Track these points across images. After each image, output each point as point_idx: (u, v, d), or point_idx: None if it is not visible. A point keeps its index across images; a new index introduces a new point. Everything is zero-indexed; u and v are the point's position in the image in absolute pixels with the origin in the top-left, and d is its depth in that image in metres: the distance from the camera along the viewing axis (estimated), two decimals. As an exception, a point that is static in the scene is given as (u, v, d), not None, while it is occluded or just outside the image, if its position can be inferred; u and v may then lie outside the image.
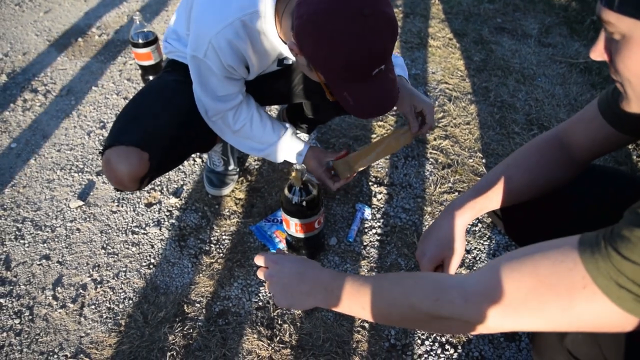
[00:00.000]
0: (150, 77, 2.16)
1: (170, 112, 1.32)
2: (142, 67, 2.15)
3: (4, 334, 1.39)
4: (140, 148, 1.24)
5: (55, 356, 1.35)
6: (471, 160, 1.87)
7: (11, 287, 1.50)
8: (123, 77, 2.27)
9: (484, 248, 1.59)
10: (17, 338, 1.39)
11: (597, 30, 2.53)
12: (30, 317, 1.43)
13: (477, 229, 1.64)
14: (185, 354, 1.35)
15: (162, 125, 1.30)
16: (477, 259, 1.57)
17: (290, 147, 1.47)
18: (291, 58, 1.30)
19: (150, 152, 1.26)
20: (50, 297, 1.48)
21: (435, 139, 1.95)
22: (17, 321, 1.42)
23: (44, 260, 1.57)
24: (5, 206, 1.72)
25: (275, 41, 1.19)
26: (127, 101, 2.13)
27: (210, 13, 1.16)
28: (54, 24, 2.61)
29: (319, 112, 1.58)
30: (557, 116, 2.06)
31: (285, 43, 1.17)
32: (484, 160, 1.87)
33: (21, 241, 1.62)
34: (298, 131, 1.80)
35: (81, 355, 1.35)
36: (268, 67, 1.36)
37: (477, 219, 1.66)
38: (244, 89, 1.36)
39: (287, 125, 1.48)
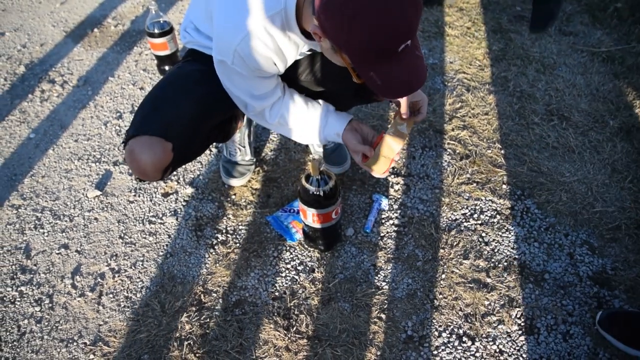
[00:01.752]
0: (166, 67, 2.16)
1: (193, 101, 1.31)
2: (157, 57, 2.15)
3: (25, 321, 1.41)
4: (163, 138, 1.24)
5: (75, 344, 1.37)
6: (489, 151, 1.85)
7: (31, 276, 1.52)
8: (139, 68, 2.27)
9: (502, 240, 1.57)
10: (38, 325, 1.40)
11: (620, 18, 2.47)
12: (50, 305, 1.45)
13: (495, 220, 1.62)
14: (202, 343, 1.35)
15: (184, 115, 1.29)
16: (496, 250, 1.55)
17: (328, 124, 1.41)
18: (315, 49, 1.29)
19: (173, 142, 1.25)
20: (70, 286, 1.49)
21: (453, 130, 1.93)
22: (37, 309, 1.44)
23: (62, 250, 1.58)
24: (24, 196, 1.74)
25: (299, 35, 1.18)
26: (143, 91, 2.15)
27: (232, 20, 1.14)
28: (70, 15, 2.62)
29: (338, 100, 1.56)
30: (578, 106, 2.02)
31: (308, 32, 1.15)
32: (502, 151, 1.84)
33: (40, 230, 1.64)
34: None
35: (100, 343, 1.37)
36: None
37: (496, 210, 1.64)
38: (280, 83, 1.35)
39: (321, 102, 1.43)
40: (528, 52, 2.31)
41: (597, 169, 1.78)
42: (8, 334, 1.39)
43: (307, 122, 1.38)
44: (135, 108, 2.07)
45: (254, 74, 1.22)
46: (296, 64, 1.39)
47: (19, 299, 1.46)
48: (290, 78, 1.44)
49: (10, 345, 1.36)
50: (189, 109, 1.30)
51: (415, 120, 1.35)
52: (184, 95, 1.32)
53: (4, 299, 1.46)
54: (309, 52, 1.35)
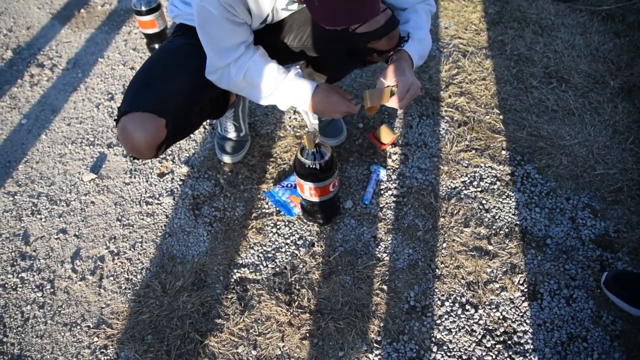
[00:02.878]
0: (156, 46, 2.12)
1: (184, 75, 1.28)
2: (146, 36, 2.11)
3: (28, 307, 1.41)
4: (156, 114, 1.21)
5: (78, 327, 1.37)
6: (488, 117, 1.81)
7: (31, 262, 1.51)
8: (129, 47, 2.23)
9: (503, 206, 1.56)
10: (41, 310, 1.40)
11: (619, -26, 2.40)
12: (52, 290, 1.45)
13: (495, 187, 1.60)
14: (205, 322, 1.35)
15: (177, 89, 1.26)
16: (497, 217, 1.53)
17: (295, 87, 1.32)
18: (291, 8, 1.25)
19: (167, 117, 1.22)
20: (70, 270, 1.49)
21: (450, 97, 1.89)
22: (39, 294, 1.44)
23: (61, 234, 1.57)
24: (20, 182, 1.73)
25: None
26: (133, 71, 2.11)
27: None
28: (56, -4, 2.56)
29: (334, 65, 1.52)
30: (577, 67, 1.98)
31: None
32: (501, 117, 1.81)
33: (38, 216, 1.63)
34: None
35: (103, 325, 1.37)
36: (271, 15, 1.29)
37: (496, 177, 1.62)
38: (249, 39, 1.28)
39: (293, 68, 1.36)
40: (525, 14, 2.26)
41: (597, 130, 1.75)
42: (12, 320, 1.39)
43: (273, 79, 1.30)
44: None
45: (226, 15, 1.16)
46: (286, 30, 1.36)
47: (20, 285, 1.46)
48: (282, 46, 1.40)
49: (14, 331, 1.37)
50: (181, 83, 1.27)
51: (390, 95, 1.27)
52: (175, 69, 1.28)
53: (6, 285, 1.46)
54: (288, 11, 1.31)
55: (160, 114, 1.21)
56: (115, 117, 1.25)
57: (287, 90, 1.30)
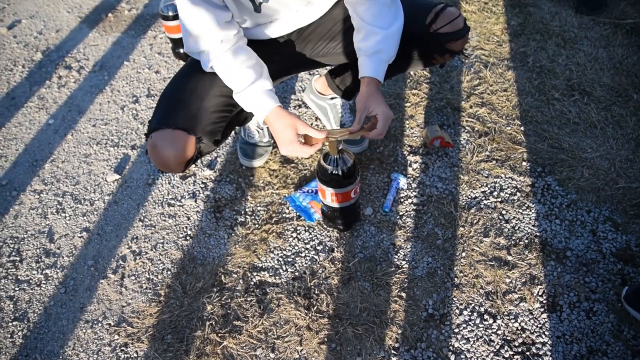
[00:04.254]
0: (181, 50, 2.16)
1: (215, 92, 1.28)
2: (172, 40, 2.15)
3: (52, 303, 1.44)
4: (187, 131, 1.21)
5: (100, 325, 1.39)
6: (509, 128, 1.81)
7: (55, 259, 1.54)
8: (154, 51, 2.27)
9: (523, 217, 1.55)
10: (64, 307, 1.43)
11: (644, -12, 2.39)
12: (74, 287, 1.48)
13: (515, 198, 1.60)
14: (224, 323, 1.37)
15: (207, 106, 1.26)
16: (516, 228, 1.53)
17: (255, 101, 1.25)
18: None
19: (197, 134, 1.23)
20: (92, 268, 1.52)
21: (471, 107, 1.90)
22: (62, 290, 1.47)
23: (84, 233, 1.61)
24: (46, 181, 1.76)
25: None
26: (158, 75, 2.15)
27: None
28: (84, 1, 2.62)
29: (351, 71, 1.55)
30: (600, 80, 1.97)
31: None
32: (522, 128, 1.81)
33: (62, 214, 1.66)
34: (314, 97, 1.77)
35: (124, 324, 1.39)
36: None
37: (516, 187, 1.62)
38: (229, 33, 1.20)
39: (263, 78, 1.26)
40: (548, 26, 2.26)
41: (620, 144, 1.74)
42: (36, 315, 1.42)
43: (237, 84, 1.24)
44: (151, 92, 2.07)
45: None
46: (298, 43, 1.39)
47: (44, 282, 1.49)
48: (300, 58, 1.43)
49: (39, 326, 1.40)
50: (212, 99, 1.27)
51: (366, 135, 1.28)
52: (206, 85, 1.28)
53: (30, 281, 1.49)
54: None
55: (190, 131, 1.22)
56: (145, 132, 1.26)
57: (247, 100, 1.25)
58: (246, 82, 1.22)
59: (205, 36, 1.19)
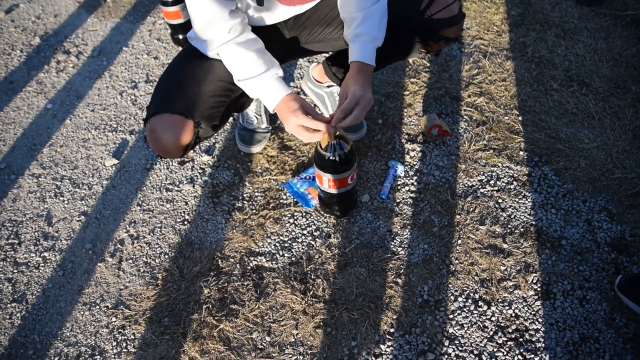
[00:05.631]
0: (180, 36, 2.15)
1: (213, 77, 1.28)
2: (171, 26, 2.14)
3: (50, 285, 1.45)
4: (185, 116, 1.21)
5: (97, 307, 1.40)
6: (507, 118, 1.82)
7: (53, 242, 1.55)
8: (153, 37, 2.27)
9: (519, 206, 1.56)
10: (62, 289, 1.44)
11: (645, -21, 2.38)
12: (73, 270, 1.48)
13: (512, 187, 1.61)
14: (221, 307, 1.38)
15: (206, 91, 1.26)
16: (512, 216, 1.54)
17: (266, 88, 1.27)
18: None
19: (195, 119, 1.23)
20: (90, 252, 1.52)
21: (469, 96, 1.90)
22: (60, 273, 1.48)
23: (82, 217, 1.61)
24: (44, 165, 1.77)
25: None
26: (157, 61, 2.14)
27: None
28: (83, -15, 2.61)
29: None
30: (599, 72, 1.97)
31: None
32: (520, 118, 1.82)
33: (60, 198, 1.67)
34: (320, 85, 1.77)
35: (121, 306, 1.40)
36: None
37: (513, 177, 1.63)
38: (235, 20, 1.20)
39: (274, 67, 1.28)
40: (547, 16, 2.25)
41: (617, 135, 1.75)
42: (34, 297, 1.43)
43: (248, 71, 1.25)
44: (150, 77, 2.07)
45: None
46: (305, 26, 1.39)
47: (42, 265, 1.50)
48: (296, 44, 1.43)
49: (37, 307, 1.41)
50: (211, 84, 1.27)
51: (340, 124, 1.24)
52: (204, 70, 1.28)
53: (29, 264, 1.50)
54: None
55: (189, 115, 1.22)
56: (144, 118, 1.27)
57: (258, 88, 1.26)
58: (258, 69, 1.23)
59: (213, 24, 1.19)
